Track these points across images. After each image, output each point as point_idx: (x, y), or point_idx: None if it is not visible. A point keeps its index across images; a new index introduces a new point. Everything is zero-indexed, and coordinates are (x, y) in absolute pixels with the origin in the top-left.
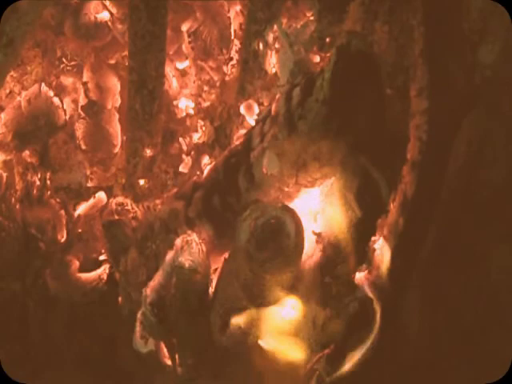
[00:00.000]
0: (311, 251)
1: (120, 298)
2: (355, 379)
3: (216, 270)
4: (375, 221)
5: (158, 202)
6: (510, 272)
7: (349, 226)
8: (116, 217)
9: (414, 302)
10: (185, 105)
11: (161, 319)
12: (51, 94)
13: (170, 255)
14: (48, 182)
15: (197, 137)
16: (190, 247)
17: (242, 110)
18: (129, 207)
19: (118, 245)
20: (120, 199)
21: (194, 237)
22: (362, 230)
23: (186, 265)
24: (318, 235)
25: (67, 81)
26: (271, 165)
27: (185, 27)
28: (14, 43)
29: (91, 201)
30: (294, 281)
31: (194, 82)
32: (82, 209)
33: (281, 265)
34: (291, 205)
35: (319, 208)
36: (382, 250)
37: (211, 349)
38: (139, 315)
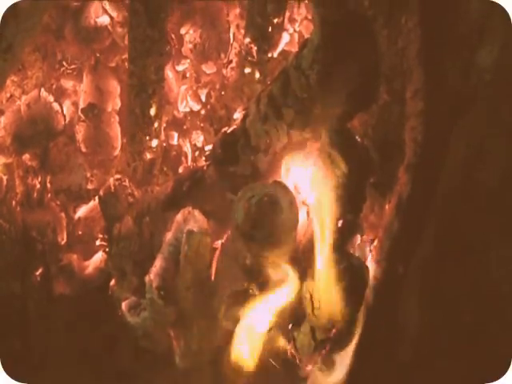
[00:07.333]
0: (304, 223)
1: (112, 281)
2: (354, 378)
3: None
4: (363, 179)
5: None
6: (510, 268)
7: (337, 186)
8: (113, 189)
9: (413, 300)
10: (184, 108)
11: (169, 301)
12: (51, 99)
13: (169, 236)
14: (48, 184)
15: (196, 139)
16: (193, 216)
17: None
18: (126, 184)
19: (113, 212)
20: (118, 176)
21: (195, 211)
22: (351, 189)
23: (196, 229)
24: (309, 206)
25: (67, 84)
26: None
27: (184, 30)
28: (14, 49)
29: (91, 203)
30: (291, 256)
31: (194, 85)
32: (82, 211)
33: (278, 240)
34: (281, 179)
35: (308, 179)
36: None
37: (215, 332)
38: (144, 304)
